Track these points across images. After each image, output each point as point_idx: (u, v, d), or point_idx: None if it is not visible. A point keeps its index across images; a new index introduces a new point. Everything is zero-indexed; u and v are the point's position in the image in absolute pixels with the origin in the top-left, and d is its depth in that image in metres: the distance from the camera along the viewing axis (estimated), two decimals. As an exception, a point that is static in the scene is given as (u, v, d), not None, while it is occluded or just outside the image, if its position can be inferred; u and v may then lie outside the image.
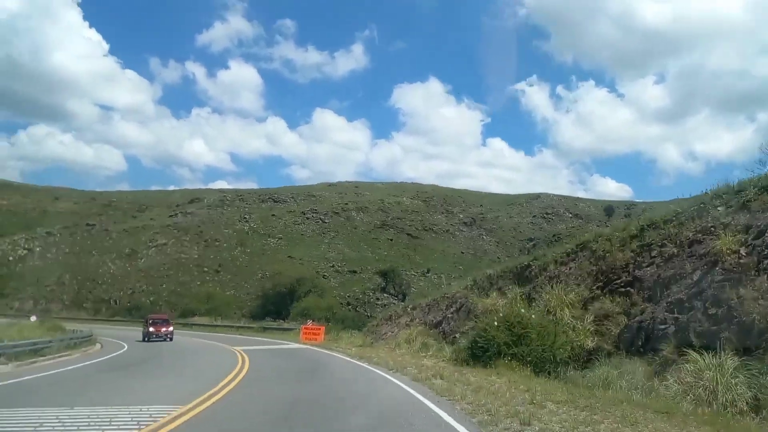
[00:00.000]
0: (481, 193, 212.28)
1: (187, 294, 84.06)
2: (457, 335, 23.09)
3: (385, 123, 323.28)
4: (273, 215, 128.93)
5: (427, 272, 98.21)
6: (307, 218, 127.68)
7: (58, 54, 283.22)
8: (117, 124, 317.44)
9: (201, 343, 32.26)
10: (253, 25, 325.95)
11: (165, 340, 33.70)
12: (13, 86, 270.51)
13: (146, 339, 34.01)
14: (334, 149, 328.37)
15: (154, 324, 35.39)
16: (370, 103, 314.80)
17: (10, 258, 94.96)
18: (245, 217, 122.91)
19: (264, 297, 79.80)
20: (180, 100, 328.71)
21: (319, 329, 30.79)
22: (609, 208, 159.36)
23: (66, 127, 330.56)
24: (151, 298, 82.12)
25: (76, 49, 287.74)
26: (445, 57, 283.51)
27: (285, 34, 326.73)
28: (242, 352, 22.23)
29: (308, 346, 26.72)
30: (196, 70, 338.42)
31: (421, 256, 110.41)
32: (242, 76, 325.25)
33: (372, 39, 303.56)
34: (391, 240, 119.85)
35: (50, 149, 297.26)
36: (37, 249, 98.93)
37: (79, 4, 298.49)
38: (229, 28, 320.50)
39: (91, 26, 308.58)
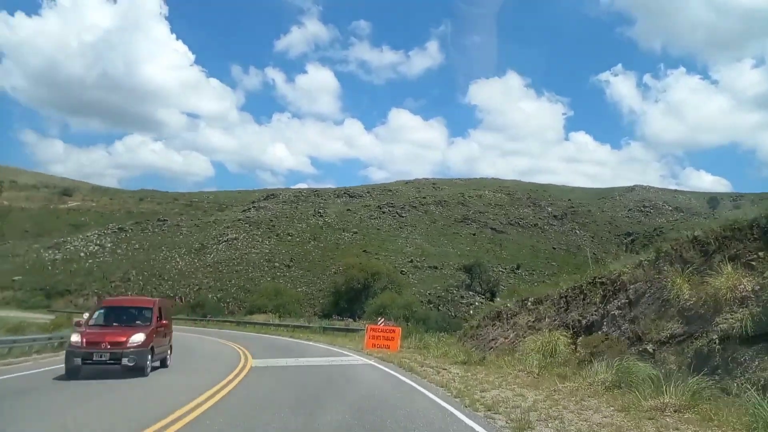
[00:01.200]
0: (567, 187, 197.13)
1: (255, 290, 76.03)
2: (649, 346, 12.03)
3: (461, 120, 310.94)
4: (348, 210, 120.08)
5: (517, 268, 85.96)
6: (383, 212, 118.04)
7: (149, 66, 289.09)
8: (203, 131, 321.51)
9: (215, 349, 21.93)
10: (329, 28, 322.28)
11: (119, 366, 12.44)
12: (110, 99, 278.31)
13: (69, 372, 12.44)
14: (410, 149, 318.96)
15: (99, 325, 13.78)
16: (446, 100, 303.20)
17: (82, 254, 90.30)
18: (319, 212, 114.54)
19: (336, 293, 70.38)
20: (261, 105, 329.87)
21: (393, 332, 19.72)
22: (713, 200, 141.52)
23: (157, 135, 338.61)
24: (218, 295, 74.43)
25: (165, 61, 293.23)
26: (523, 50, 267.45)
27: (360, 35, 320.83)
28: (238, 376, 12.30)
29: (374, 363, 15.99)
30: (275, 75, 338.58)
31: (507, 252, 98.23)
32: (319, 79, 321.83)
33: (447, 35, 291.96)
34: (474, 234, 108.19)
35: (143, 157, 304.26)
36: (108, 245, 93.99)
37: (166, 18, 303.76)
38: (306, 32, 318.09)
39: (177, 38, 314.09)
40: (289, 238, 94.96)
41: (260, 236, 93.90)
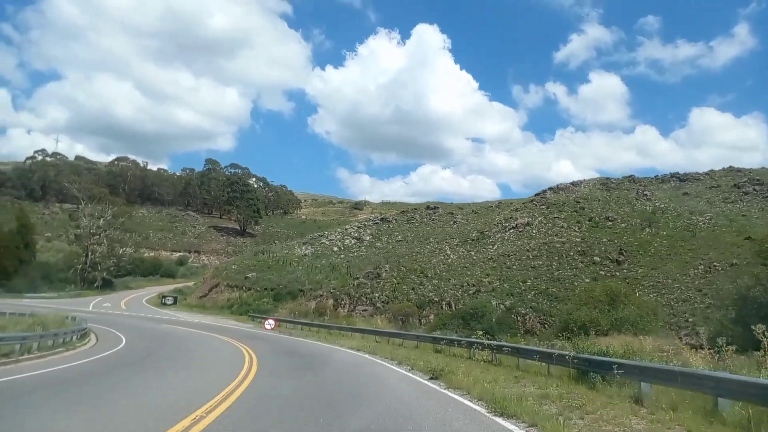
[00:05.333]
0: None
1: (567, 296, 43.29)
2: None
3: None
4: (685, 193, 79.55)
5: None
6: (745, 194, 74.68)
7: (436, 98, 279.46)
8: (487, 155, 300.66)
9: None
10: (612, 30, 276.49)
11: None
12: (403, 132, 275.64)
13: None
14: (719, 152, 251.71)
15: None
16: (764, 91, 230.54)
17: (335, 248, 68.08)
18: (645, 194, 76.61)
19: (740, 304, 33.61)
20: (543, 122, 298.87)
21: None
22: None
23: (446, 163, 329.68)
24: (507, 302, 43.39)
25: (450, 91, 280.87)
26: None
27: (648, 32, 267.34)
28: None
29: None
30: (556, 90, 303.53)
31: None
32: (604, 87, 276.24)
33: (760, 14, 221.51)
34: None
35: (434, 184, 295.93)
36: (367, 238, 70.40)
37: (449, 50, 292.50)
38: (587, 39, 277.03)
39: (461, 69, 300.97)
40: (610, 224, 59.66)
41: (564, 220, 60.57)
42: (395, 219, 75.33)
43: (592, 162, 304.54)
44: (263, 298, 51.37)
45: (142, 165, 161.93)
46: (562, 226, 58.55)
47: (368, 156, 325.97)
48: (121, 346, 22.26)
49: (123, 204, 79.24)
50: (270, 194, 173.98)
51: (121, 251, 72.40)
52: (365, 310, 45.76)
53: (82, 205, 71.08)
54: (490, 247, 56.70)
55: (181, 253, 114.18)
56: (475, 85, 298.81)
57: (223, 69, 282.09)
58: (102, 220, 68.66)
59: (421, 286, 48.19)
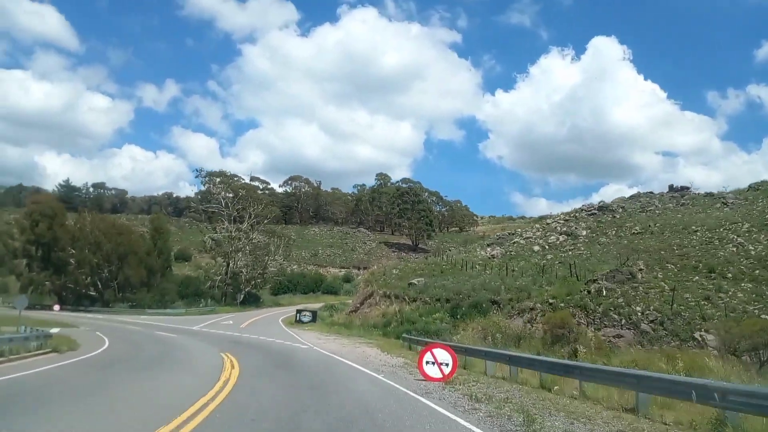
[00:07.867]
0: None
1: None
2: None
3: None
4: None
5: None
6: None
7: (618, 112, 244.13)
8: (681, 170, 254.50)
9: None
10: None
11: None
12: (582, 151, 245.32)
13: None
14: None
15: None
16: None
17: (536, 247, 47.14)
18: None
19: None
20: (747, 130, 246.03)
21: None
22: None
23: (633, 181, 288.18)
24: None
25: (634, 104, 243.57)
26: None
27: None
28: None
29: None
30: (760, 92, 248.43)
31: None
32: None
33: None
34: None
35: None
36: (583, 232, 48.28)
37: (631, 61, 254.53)
38: None
39: (645, 79, 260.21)
40: None
41: None
42: (621, 207, 52.21)
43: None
44: (434, 312, 32.45)
45: (315, 184, 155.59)
46: None
47: (544, 178, 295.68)
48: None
49: (270, 203, 67.03)
50: (443, 210, 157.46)
51: (266, 260, 59.29)
52: (619, 336, 24.49)
53: (222, 204, 59.69)
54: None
55: (348, 269, 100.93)
56: (663, 94, 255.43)
57: (396, 104, 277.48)
58: (245, 222, 56.11)
59: (720, 293, 25.65)
